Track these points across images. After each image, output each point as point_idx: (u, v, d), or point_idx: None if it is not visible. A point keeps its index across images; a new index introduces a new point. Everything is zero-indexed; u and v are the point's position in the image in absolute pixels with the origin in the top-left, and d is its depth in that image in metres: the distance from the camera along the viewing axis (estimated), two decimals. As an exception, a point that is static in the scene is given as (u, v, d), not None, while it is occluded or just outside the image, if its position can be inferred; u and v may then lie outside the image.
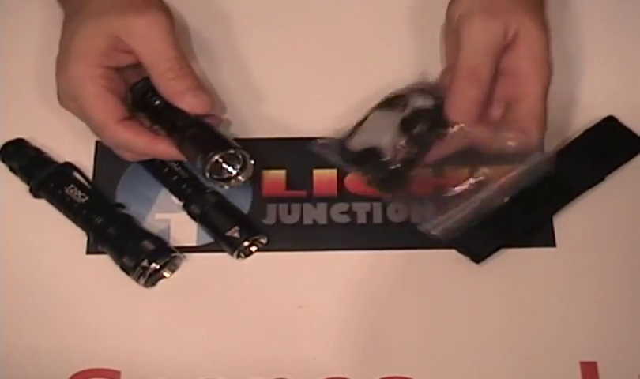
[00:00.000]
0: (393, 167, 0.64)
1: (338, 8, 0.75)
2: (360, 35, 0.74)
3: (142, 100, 0.65)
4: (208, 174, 0.62)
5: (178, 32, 0.65)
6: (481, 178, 0.64)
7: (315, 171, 0.69)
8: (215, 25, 0.74)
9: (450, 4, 0.66)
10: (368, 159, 0.65)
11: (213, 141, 0.63)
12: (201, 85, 0.64)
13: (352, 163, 0.66)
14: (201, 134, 0.64)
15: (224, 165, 0.64)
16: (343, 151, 0.66)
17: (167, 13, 0.65)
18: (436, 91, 0.66)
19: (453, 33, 0.65)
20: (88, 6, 0.65)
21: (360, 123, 0.67)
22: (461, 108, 0.63)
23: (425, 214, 0.65)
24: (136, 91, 0.66)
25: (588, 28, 0.74)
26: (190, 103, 0.63)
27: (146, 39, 0.63)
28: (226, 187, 0.65)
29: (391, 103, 0.67)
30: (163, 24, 0.64)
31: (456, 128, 0.63)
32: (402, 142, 0.64)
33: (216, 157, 0.62)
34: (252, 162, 0.64)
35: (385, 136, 0.64)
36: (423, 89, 0.67)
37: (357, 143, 0.66)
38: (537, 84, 0.63)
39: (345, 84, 0.72)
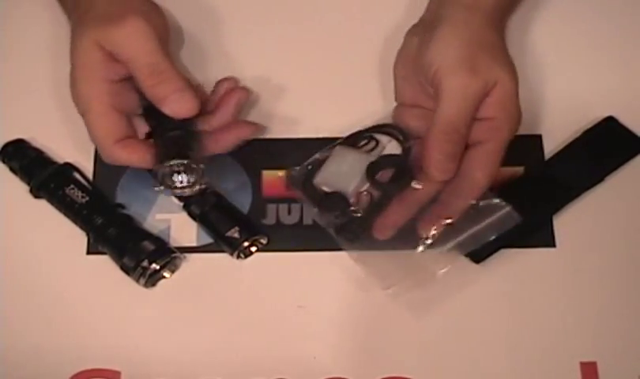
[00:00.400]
0: (356, 215, 0.64)
1: (336, 8, 0.75)
2: (361, 35, 0.74)
3: (148, 107, 0.65)
4: (158, 183, 0.63)
5: (172, 35, 0.65)
6: (435, 233, 0.63)
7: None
8: (209, 28, 0.74)
9: (418, 38, 0.66)
10: (334, 204, 0.65)
11: (167, 151, 0.63)
12: (184, 87, 0.63)
13: (317, 204, 0.65)
14: (165, 142, 0.64)
15: (174, 175, 0.63)
16: (306, 184, 0.66)
17: (147, 18, 0.64)
18: (404, 132, 0.66)
19: (418, 69, 0.64)
20: (82, 19, 0.65)
21: (327, 155, 0.67)
22: (441, 165, 0.61)
23: (381, 271, 0.64)
24: (140, 99, 0.66)
25: (588, 27, 0.74)
26: (172, 108, 0.63)
27: (126, 49, 0.63)
28: (177, 193, 0.64)
29: (358, 139, 0.67)
30: (141, 32, 0.63)
31: (421, 184, 0.63)
32: (366, 187, 0.64)
33: (164, 170, 0.62)
34: (201, 166, 0.63)
35: (351, 180, 0.65)
36: (392, 131, 0.67)
37: (322, 179, 0.66)
38: (505, 133, 0.63)
39: (344, 84, 0.72)
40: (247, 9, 0.75)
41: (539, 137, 0.70)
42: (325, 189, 0.66)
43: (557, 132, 0.70)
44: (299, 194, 0.67)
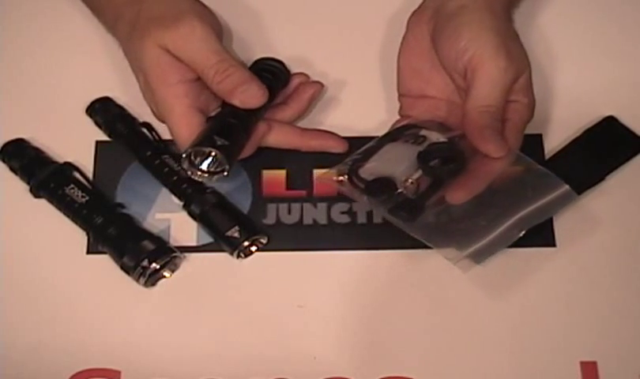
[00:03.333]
0: (409, 197, 0.63)
1: (335, 8, 0.75)
2: (362, 33, 0.74)
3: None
4: (185, 165, 0.64)
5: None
6: (497, 211, 0.64)
7: (315, 171, 0.69)
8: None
9: (428, 26, 0.67)
10: (381, 189, 0.64)
11: (199, 136, 0.64)
12: (250, 79, 0.65)
13: (364, 191, 0.65)
14: (207, 125, 0.65)
15: (199, 160, 0.64)
16: (352, 177, 0.65)
17: (201, 17, 0.65)
18: (443, 126, 0.66)
19: (442, 56, 0.65)
20: (135, 24, 0.66)
21: (369, 150, 0.66)
22: (498, 142, 0.63)
23: (447, 244, 0.64)
24: None
25: (588, 27, 0.74)
26: (241, 99, 0.64)
27: (187, 52, 0.64)
28: (196, 177, 0.64)
29: (402, 133, 0.67)
30: (199, 33, 0.64)
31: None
32: (416, 175, 0.64)
33: (190, 151, 0.63)
34: (226, 166, 0.64)
35: (398, 167, 0.64)
36: (433, 125, 0.66)
37: (369, 170, 0.65)
38: (526, 115, 0.65)
39: (346, 84, 0.72)
40: (251, 6, 0.75)
41: (539, 137, 0.70)
42: (373, 177, 0.65)
43: (557, 131, 0.70)
44: (346, 189, 0.66)
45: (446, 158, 0.64)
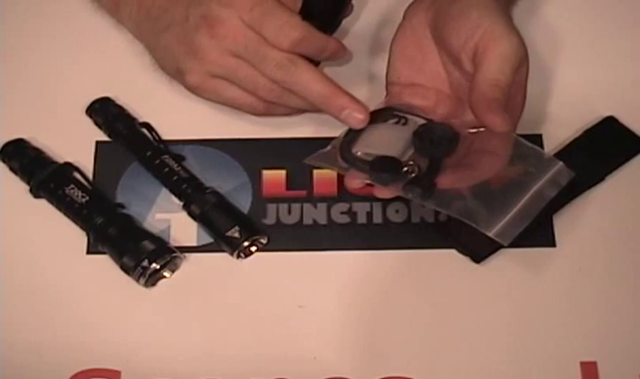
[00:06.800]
0: (418, 175, 0.62)
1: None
2: (363, 36, 0.74)
3: None
4: None
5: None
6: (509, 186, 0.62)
7: (315, 171, 0.69)
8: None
9: (426, 13, 0.66)
10: (386, 167, 0.62)
11: None
12: None
13: (367, 171, 0.63)
14: None
15: None
16: (346, 154, 0.64)
17: None
18: (418, 110, 0.66)
19: (446, 38, 0.65)
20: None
21: (351, 133, 0.65)
22: (503, 116, 0.61)
23: (478, 214, 0.61)
24: None
25: (589, 27, 0.74)
26: None
27: None
28: None
29: (378, 116, 0.65)
30: None
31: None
32: (410, 152, 0.63)
33: None
34: None
35: (396, 146, 0.63)
36: (408, 108, 0.66)
37: (364, 148, 0.64)
38: (521, 108, 0.64)
39: (344, 84, 0.72)
40: None
41: (539, 137, 0.70)
42: (368, 157, 0.63)
43: (557, 131, 0.70)
44: (343, 168, 0.64)
45: (440, 137, 0.63)
